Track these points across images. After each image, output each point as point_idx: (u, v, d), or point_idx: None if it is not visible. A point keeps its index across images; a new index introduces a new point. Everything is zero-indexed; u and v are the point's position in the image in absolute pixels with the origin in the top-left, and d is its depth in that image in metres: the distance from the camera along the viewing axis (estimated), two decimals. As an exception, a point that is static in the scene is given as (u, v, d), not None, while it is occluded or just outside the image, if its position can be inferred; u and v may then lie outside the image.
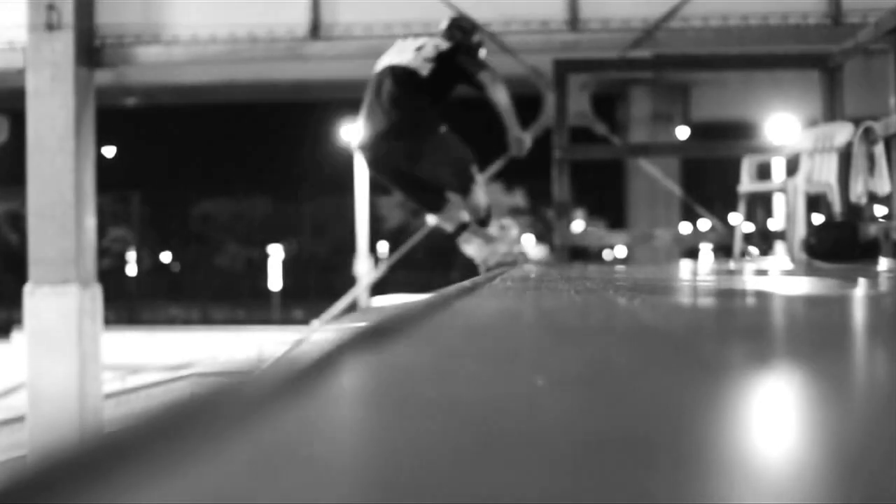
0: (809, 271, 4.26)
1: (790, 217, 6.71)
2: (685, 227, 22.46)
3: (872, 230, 5.97)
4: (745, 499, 0.42)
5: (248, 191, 55.32)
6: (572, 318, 1.53)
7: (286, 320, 39.35)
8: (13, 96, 11.60)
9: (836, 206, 6.31)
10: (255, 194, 55.43)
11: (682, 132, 18.46)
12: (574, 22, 9.99)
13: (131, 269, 53.23)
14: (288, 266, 47.66)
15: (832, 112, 7.72)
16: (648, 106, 17.95)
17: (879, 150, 6.10)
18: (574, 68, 9.07)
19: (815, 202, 6.92)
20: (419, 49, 5.79)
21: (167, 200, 55.23)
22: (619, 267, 6.43)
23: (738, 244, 7.63)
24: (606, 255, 27.76)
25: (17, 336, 21.07)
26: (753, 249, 7.83)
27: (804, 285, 2.79)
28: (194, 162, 61.88)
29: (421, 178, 5.79)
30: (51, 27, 9.86)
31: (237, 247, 54.68)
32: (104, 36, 10.26)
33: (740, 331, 1.30)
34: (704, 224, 19.41)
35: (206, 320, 42.64)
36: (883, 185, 6.00)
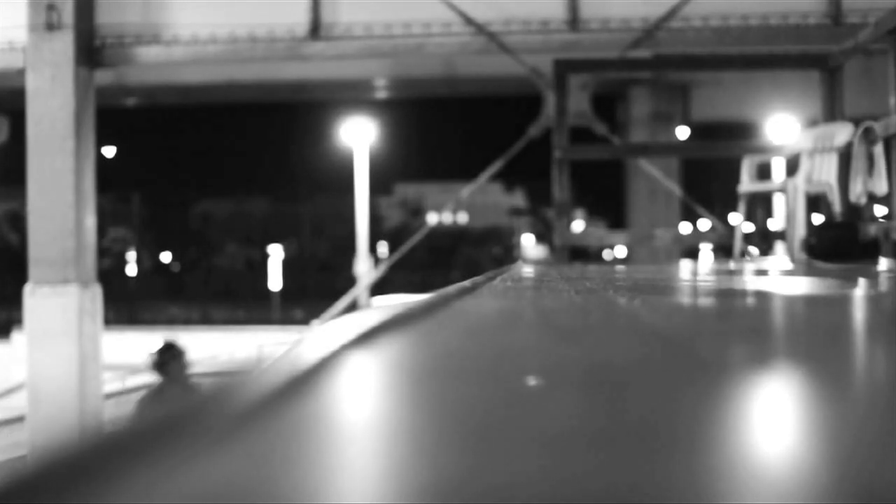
0: (809, 271, 4.26)
1: (790, 217, 6.71)
2: (685, 227, 22.45)
3: (872, 230, 5.96)
4: (746, 499, 0.42)
5: (248, 191, 55.37)
6: (572, 319, 1.53)
7: (286, 320, 39.32)
8: (13, 96, 11.60)
9: (836, 206, 6.31)
10: (255, 194, 55.47)
11: (682, 132, 18.45)
12: (574, 22, 9.99)
13: (131, 269, 53.24)
14: (288, 266, 47.66)
15: (832, 112, 7.71)
16: (648, 106, 17.95)
17: (878, 150, 6.09)
18: (574, 68, 9.06)
19: (815, 202, 6.91)
20: None
21: (167, 200, 55.25)
22: (619, 267, 6.43)
23: (738, 244, 7.63)
24: (606, 255, 27.75)
25: (17, 336, 21.06)
26: (753, 249, 7.83)
27: (804, 285, 2.79)
28: (194, 162, 61.92)
29: None
30: (51, 27, 9.86)
31: (237, 247, 54.70)
32: (104, 36, 10.26)
33: (740, 331, 1.30)
34: (704, 224, 19.40)
35: (206, 320, 42.61)
36: (881, 186, 6.00)
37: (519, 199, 57.65)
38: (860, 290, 2.51)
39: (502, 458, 0.50)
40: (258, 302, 46.27)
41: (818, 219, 6.81)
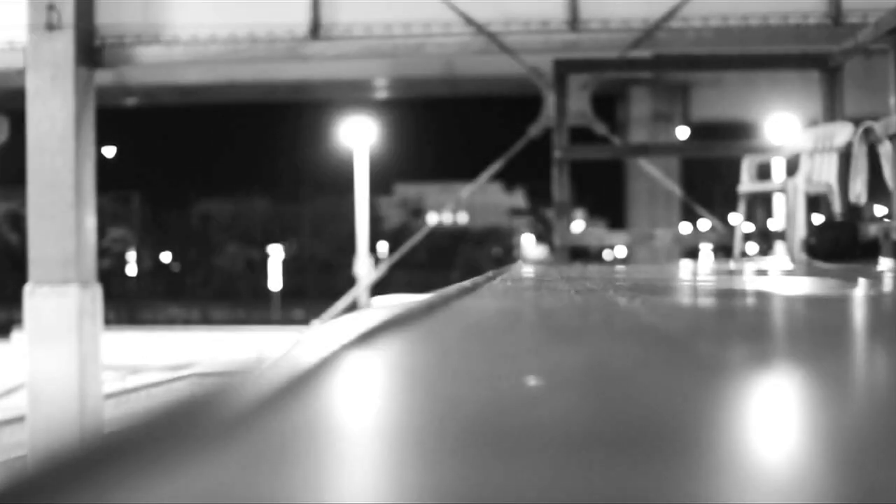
0: (809, 271, 4.26)
1: (790, 217, 6.71)
2: (685, 227, 22.45)
3: (872, 230, 5.97)
4: (746, 499, 0.42)
5: (248, 191, 55.34)
6: (572, 319, 1.53)
7: (286, 320, 39.31)
8: (13, 96, 11.60)
9: (836, 206, 6.31)
10: (255, 194, 55.43)
11: (682, 132, 18.46)
12: (574, 22, 9.98)
13: (131, 269, 53.20)
14: (288, 266, 47.66)
15: (832, 112, 7.72)
16: (648, 106, 17.95)
17: (885, 149, 6.11)
18: (574, 68, 9.07)
19: (815, 202, 6.92)
20: None
21: (167, 200, 55.26)
22: (619, 267, 6.43)
23: (738, 244, 7.63)
24: (606, 255, 27.76)
25: (17, 336, 21.07)
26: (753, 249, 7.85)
27: (804, 285, 2.79)
28: (194, 162, 61.93)
29: None
30: (51, 27, 9.86)
31: (237, 247, 54.67)
32: (104, 36, 10.26)
33: (740, 331, 1.30)
34: (704, 224, 19.41)
35: (206, 320, 42.60)
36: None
37: (519, 199, 57.62)
38: (860, 290, 2.51)
39: (502, 459, 0.50)
40: (258, 302, 46.24)
41: (818, 219, 6.81)
